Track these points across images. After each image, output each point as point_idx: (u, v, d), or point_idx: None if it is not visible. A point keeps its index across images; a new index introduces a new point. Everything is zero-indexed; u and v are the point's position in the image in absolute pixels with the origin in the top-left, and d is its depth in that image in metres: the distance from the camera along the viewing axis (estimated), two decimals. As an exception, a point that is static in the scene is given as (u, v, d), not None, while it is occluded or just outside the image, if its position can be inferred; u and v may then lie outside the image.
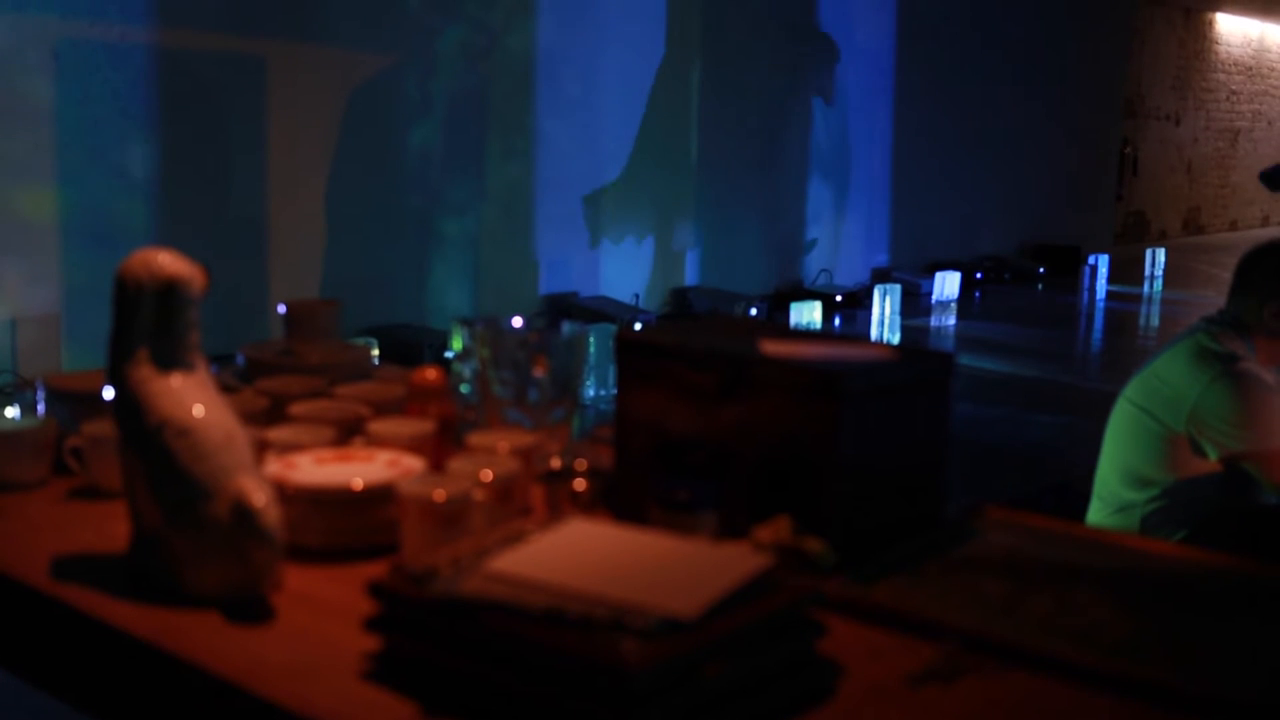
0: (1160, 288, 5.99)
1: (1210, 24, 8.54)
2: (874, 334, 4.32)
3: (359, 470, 0.79)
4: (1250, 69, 8.96)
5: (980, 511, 0.85)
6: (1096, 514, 1.55)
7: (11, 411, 1.00)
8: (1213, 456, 1.43)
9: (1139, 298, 5.78)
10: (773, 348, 0.80)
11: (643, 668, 0.51)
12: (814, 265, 5.09)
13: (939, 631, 0.65)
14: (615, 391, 0.85)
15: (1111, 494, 1.54)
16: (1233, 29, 8.86)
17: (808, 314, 4.25)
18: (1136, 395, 1.51)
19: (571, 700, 0.53)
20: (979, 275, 5.64)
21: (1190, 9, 8.14)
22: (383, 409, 0.92)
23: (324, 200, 3.39)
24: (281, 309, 1.04)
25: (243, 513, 0.67)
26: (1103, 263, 5.89)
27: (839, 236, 5.24)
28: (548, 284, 4.03)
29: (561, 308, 3.87)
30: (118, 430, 0.73)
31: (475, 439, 0.85)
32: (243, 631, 0.65)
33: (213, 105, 3.10)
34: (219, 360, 0.81)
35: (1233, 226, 9.13)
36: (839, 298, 4.78)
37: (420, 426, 0.86)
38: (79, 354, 2.76)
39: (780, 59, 4.82)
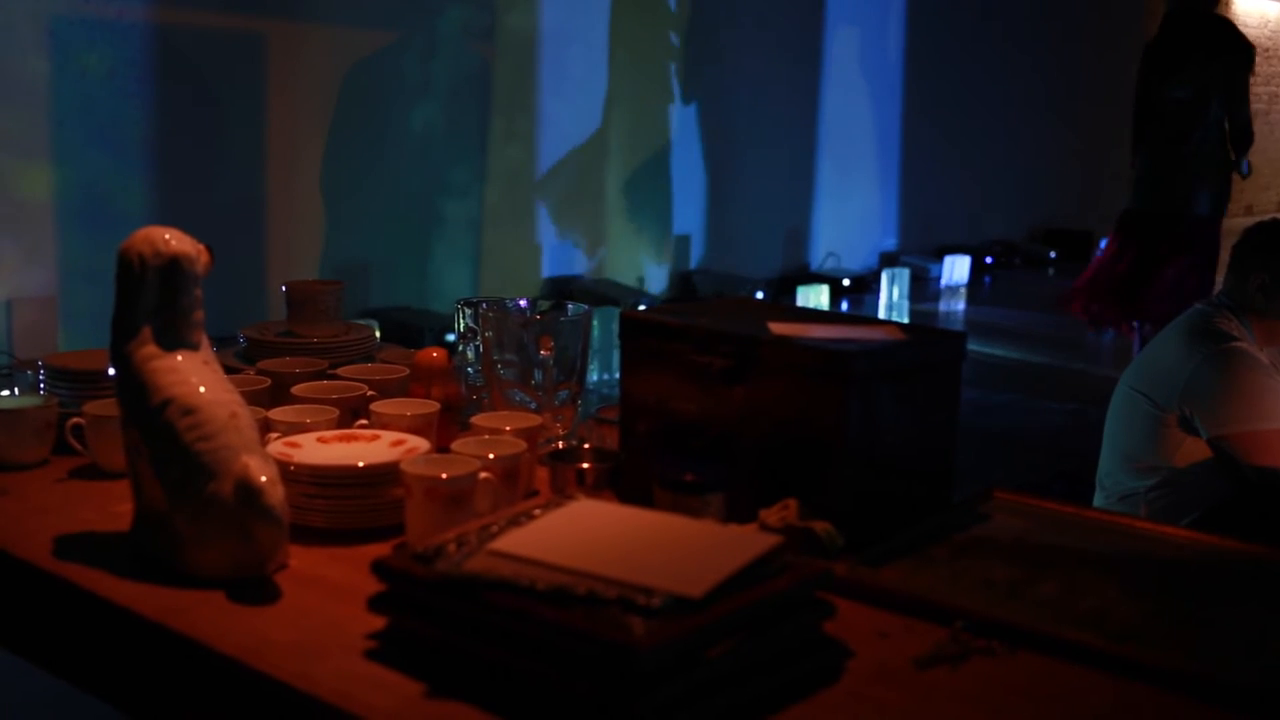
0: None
1: (1227, 6, 8.36)
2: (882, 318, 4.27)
3: (363, 451, 0.79)
4: (1268, 51, 8.79)
5: (988, 495, 0.84)
6: (1099, 503, 1.55)
7: (6, 393, 0.99)
8: (1205, 436, 1.42)
9: (1150, 283, 5.75)
10: (781, 329, 0.78)
11: (650, 646, 0.51)
12: (821, 249, 5.05)
13: (946, 614, 0.65)
14: (618, 376, 0.84)
15: (1114, 482, 1.54)
16: (1250, 10, 8.68)
17: (814, 298, 4.22)
18: (1134, 379, 1.51)
19: (578, 678, 0.53)
20: (989, 260, 5.57)
21: (1207, -11, 7.94)
22: (386, 390, 0.91)
23: (323, 181, 3.37)
24: (284, 290, 1.04)
25: (247, 491, 0.67)
26: (1114, 247, 5.81)
27: (846, 219, 5.19)
28: (550, 267, 4.01)
29: (564, 291, 3.85)
30: (121, 409, 0.72)
31: (480, 420, 0.84)
32: (248, 611, 0.65)
33: (211, 84, 3.07)
34: (217, 341, 0.80)
35: (1248, 211, 9.02)
36: (846, 282, 4.74)
37: (424, 407, 0.85)
38: (76, 336, 2.75)
39: (789, 39, 4.75)
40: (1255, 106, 4.36)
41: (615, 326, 0.88)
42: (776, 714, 0.55)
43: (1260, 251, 1.46)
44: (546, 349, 0.89)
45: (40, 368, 0.96)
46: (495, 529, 0.62)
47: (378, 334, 1.15)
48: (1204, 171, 2.70)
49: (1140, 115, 2.76)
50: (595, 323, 3.04)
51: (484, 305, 0.95)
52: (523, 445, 0.79)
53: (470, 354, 0.99)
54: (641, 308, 3.33)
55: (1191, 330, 1.46)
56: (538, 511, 0.65)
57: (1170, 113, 2.66)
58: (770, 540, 0.61)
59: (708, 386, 0.77)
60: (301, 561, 0.71)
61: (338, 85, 3.37)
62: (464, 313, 1.00)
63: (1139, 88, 2.77)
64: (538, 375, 0.89)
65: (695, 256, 4.56)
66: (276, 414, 0.84)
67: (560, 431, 0.90)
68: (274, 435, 0.81)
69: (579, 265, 4.12)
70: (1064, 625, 0.64)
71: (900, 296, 4.55)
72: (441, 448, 0.83)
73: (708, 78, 4.48)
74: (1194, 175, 2.69)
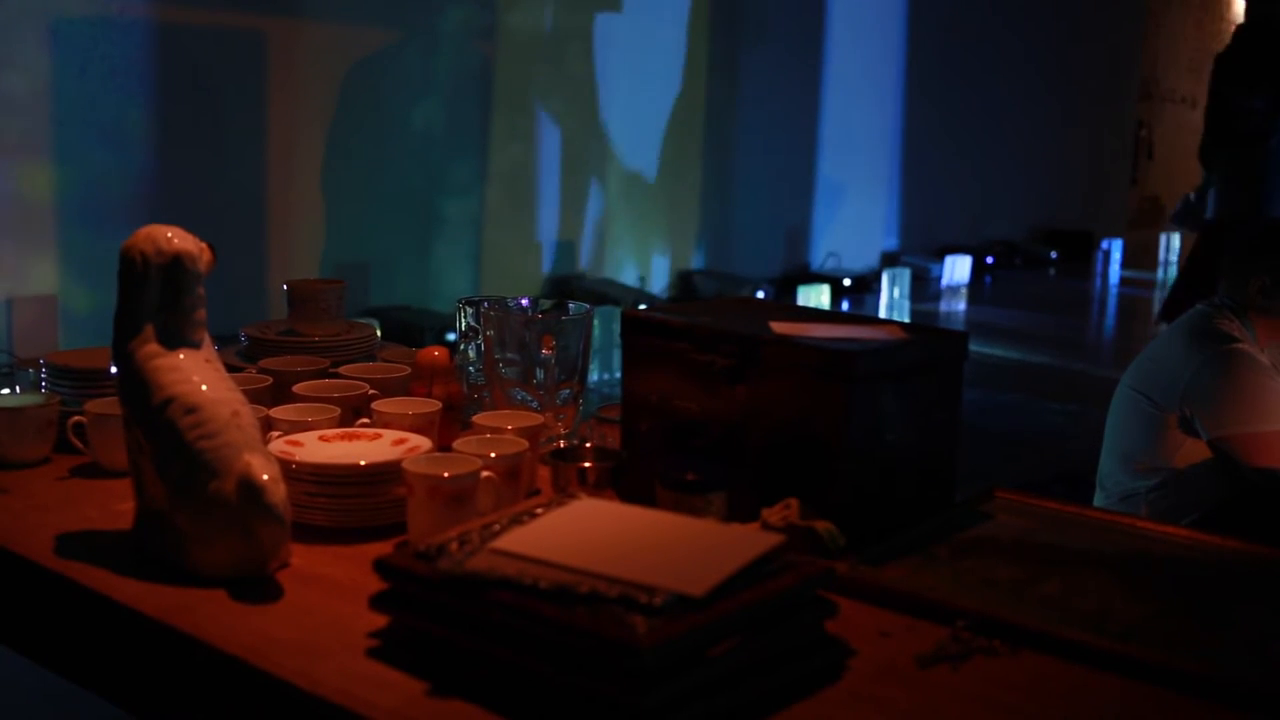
0: (1175, 273, 5.91)
1: (1228, 4, 8.35)
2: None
3: (365, 449, 0.79)
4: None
5: (990, 495, 0.84)
6: (1100, 503, 1.54)
7: (7, 391, 0.99)
8: (1205, 437, 1.42)
9: (1153, 284, 5.70)
10: (782, 328, 0.78)
11: (652, 645, 0.51)
12: (821, 249, 5.04)
13: (948, 613, 0.65)
14: (619, 375, 0.84)
15: (1115, 483, 1.53)
16: (1252, 9, 8.60)
17: (815, 298, 4.23)
18: (1134, 379, 1.50)
19: (580, 677, 0.52)
20: (990, 260, 5.55)
21: (1208, -12, 7.97)
22: (387, 389, 0.91)
23: (324, 179, 3.37)
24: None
25: (249, 490, 0.67)
26: (1116, 248, 5.83)
27: (847, 219, 5.18)
28: (551, 266, 4.01)
29: (565, 290, 3.85)
30: (122, 407, 0.72)
31: (482, 419, 0.84)
32: (250, 609, 0.65)
33: (212, 82, 3.06)
34: (219, 340, 0.80)
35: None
36: (847, 282, 4.74)
37: (426, 406, 0.85)
38: (76, 334, 2.75)
39: (790, 38, 4.74)
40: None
41: (616, 326, 0.88)
42: (778, 713, 0.55)
43: (1259, 254, 1.46)
44: (548, 348, 0.89)
45: (42, 366, 0.96)
46: (497, 528, 0.62)
47: (379, 333, 1.15)
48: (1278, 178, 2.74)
49: (1214, 126, 2.79)
50: (596, 322, 3.03)
51: (485, 304, 0.95)
52: (524, 444, 0.79)
53: (472, 353, 0.99)
54: (642, 307, 3.32)
55: (1193, 331, 1.46)
56: (540, 510, 0.65)
57: (1246, 123, 2.70)
58: (772, 539, 0.61)
59: (709, 386, 0.77)
60: (303, 560, 0.71)
61: (339, 83, 3.37)
62: (465, 311, 1.00)
63: (1213, 99, 2.79)
64: (539, 374, 0.89)
65: (697, 256, 4.56)
66: (278, 412, 0.84)
67: (562, 430, 0.90)
68: (276, 434, 0.81)
69: (580, 264, 4.12)
70: (1066, 625, 0.64)
71: (901, 296, 4.55)
72: (443, 446, 0.82)
73: (709, 76, 4.47)
74: (1270, 182, 2.73)
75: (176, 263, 0.71)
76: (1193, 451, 1.44)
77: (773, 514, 0.71)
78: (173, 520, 0.69)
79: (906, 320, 4.32)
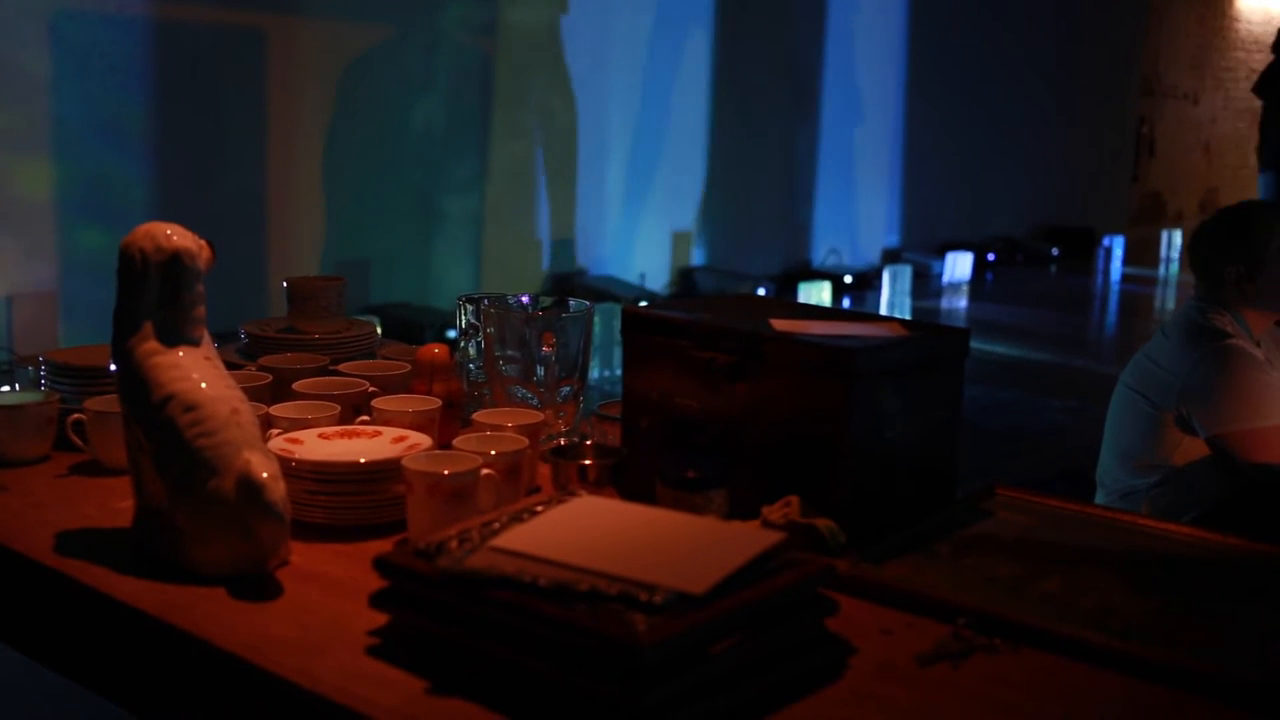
0: (1176, 270, 5.90)
1: (1230, 3, 8.33)
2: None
3: (364, 447, 0.79)
4: (1271, 47, 8.73)
5: (990, 492, 0.84)
6: (1101, 501, 1.54)
7: (7, 389, 0.99)
8: (1203, 435, 1.42)
9: (1154, 280, 5.71)
10: (783, 325, 0.78)
11: (653, 642, 0.51)
12: (822, 245, 5.04)
13: (949, 611, 0.65)
14: (619, 372, 0.84)
15: (1114, 481, 1.53)
16: (1253, 5, 8.64)
17: (816, 295, 4.23)
18: (1131, 378, 1.51)
19: (580, 675, 0.52)
20: (991, 256, 5.54)
21: (1210, -16, 7.95)
22: (387, 386, 0.91)
23: (324, 176, 3.36)
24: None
25: (249, 487, 0.67)
26: (1118, 244, 5.82)
27: (848, 216, 5.17)
28: (551, 263, 4.01)
29: (565, 287, 3.85)
30: (122, 405, 0.72)
31: (482, 417, 0.84)
32: (249, 607, 0.65)
33: (211, 79, 3.06)
34: (218, 337, 0.80)
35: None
36: (848, 279, 4.73)
37: (426, 403, 0.85)
38: (75, 331, 2.75)
39: (791, 35, 4.73)
40: (1259, 104, 4.33)
41: (616, 323, 0.88)
42: (779, 711, 0.55)
43: (1227, 244, 1.46)
44: (548, 345, 0.88)
45: (41, 363, 0.96)
46: (497, 525, 0.62)
47: (379, 330, 1.15)
48: None
49: (1261, 124, 2.85)
50: (596, 319, 3.01)
51: (486, 301, 0.95)
52: (524, 442, 0.78)
53: (472, 350, 0.99)
54: (643, 304, 3.31)
55: (1187, 329, 1.46)
56: (540, 508, 0.65)
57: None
58: (772, 537, 0.61)
59: (710, 383, 0.77)
60: (303, 558, 0.71)
61: (338, 80, 3.36)
62: (466, 309, 1.00)
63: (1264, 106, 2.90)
64: (539, 371, 0.89)
65: (697, 253, 4.55)
66: (278, 410, 0.84)
67: (562, 428, 0.90)
68: (275, 431, 0.81)
69: (580, 261, 4.12)
70: (1067, 622, 0.64)
71: (902, 293, 4.55)
72: (443, 444, 0.82)
73: (710, 73, 4.46)
74: None
75: (176, 260, 0.71)
76: (1192, 449, 1.44)
77: (773, 511, 0.71)
78: (172, 518, 0.69)
79: (907, 317, 4.30)
